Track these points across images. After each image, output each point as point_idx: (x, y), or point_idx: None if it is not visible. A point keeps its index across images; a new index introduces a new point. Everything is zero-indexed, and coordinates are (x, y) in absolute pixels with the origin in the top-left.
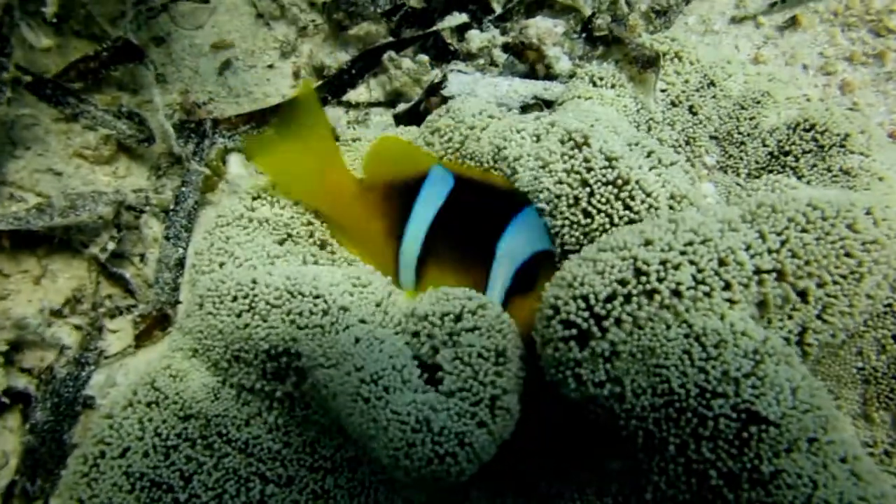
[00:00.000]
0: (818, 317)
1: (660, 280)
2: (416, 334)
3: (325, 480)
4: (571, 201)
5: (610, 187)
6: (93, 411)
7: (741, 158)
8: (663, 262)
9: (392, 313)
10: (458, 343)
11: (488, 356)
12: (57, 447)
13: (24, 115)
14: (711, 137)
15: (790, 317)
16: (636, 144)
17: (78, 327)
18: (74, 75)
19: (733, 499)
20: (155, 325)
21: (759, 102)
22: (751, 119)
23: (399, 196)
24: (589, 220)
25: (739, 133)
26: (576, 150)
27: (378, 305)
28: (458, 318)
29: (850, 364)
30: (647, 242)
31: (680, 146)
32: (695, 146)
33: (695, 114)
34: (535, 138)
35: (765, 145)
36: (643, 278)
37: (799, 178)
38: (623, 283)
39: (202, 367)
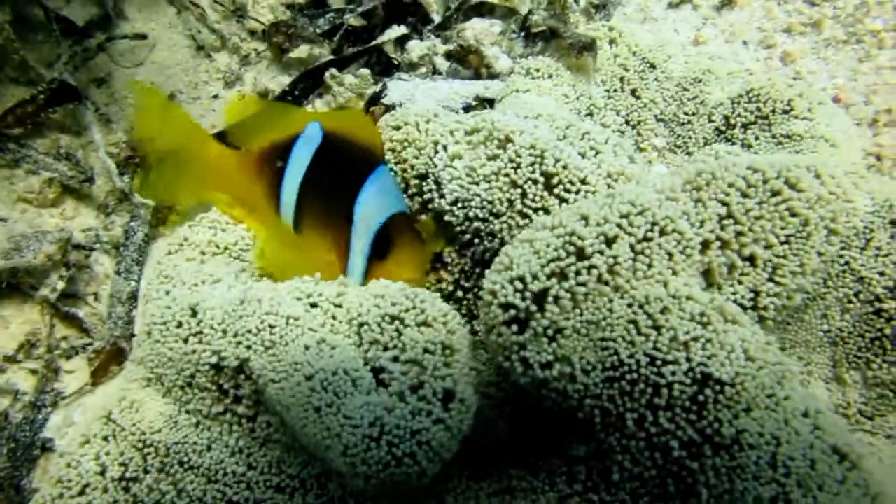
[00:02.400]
0: (769, 279)
1: (596, 254)
2: (360, 342)
3: (294, 500)
4: (506, 205)
5: (541, 184)
6: (52, 454)
7: (689, 137)
8: (599, 236)
9: (340, 317)
10: (402, 343)
11: (434, 349)
12: (15, 493)
13: None
14: (658, 120)
15: (740, 282)
16: (570, 127)
17: (34, 371)
18: (13, 121)
19: (698, 467)
20: (110, 359)
21: (700, 80)
22: (695, 98)
23: (275, 158)
24: (527, 222)
25: (685, 113)
26: (500, 150)
27: (325, 313)
28: (398, 319)
29: (815, 328)
30: (583, 218)
31: (626, 131)
32: (641, 129)
33: (638, 97)
34: (465, 140)
35: (711, 121)
36: (579, 253)
37: (748, 148)
38: (559, 259)
39: (157, 396)
